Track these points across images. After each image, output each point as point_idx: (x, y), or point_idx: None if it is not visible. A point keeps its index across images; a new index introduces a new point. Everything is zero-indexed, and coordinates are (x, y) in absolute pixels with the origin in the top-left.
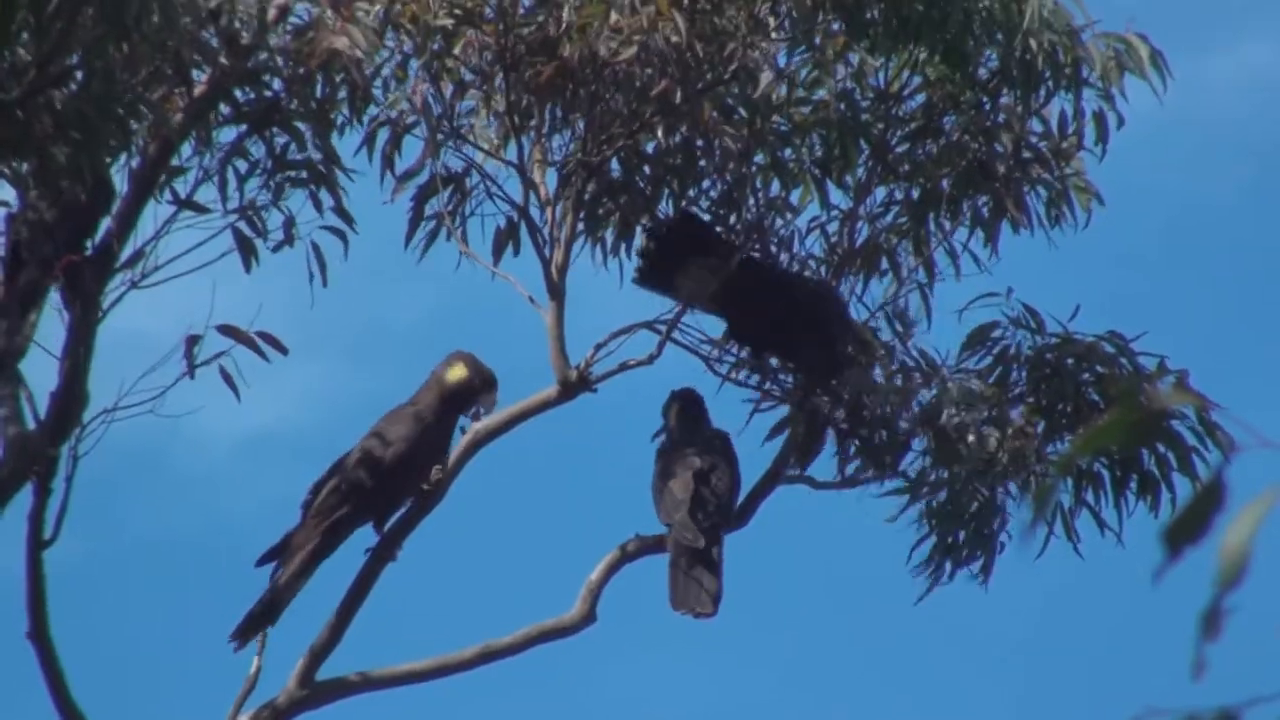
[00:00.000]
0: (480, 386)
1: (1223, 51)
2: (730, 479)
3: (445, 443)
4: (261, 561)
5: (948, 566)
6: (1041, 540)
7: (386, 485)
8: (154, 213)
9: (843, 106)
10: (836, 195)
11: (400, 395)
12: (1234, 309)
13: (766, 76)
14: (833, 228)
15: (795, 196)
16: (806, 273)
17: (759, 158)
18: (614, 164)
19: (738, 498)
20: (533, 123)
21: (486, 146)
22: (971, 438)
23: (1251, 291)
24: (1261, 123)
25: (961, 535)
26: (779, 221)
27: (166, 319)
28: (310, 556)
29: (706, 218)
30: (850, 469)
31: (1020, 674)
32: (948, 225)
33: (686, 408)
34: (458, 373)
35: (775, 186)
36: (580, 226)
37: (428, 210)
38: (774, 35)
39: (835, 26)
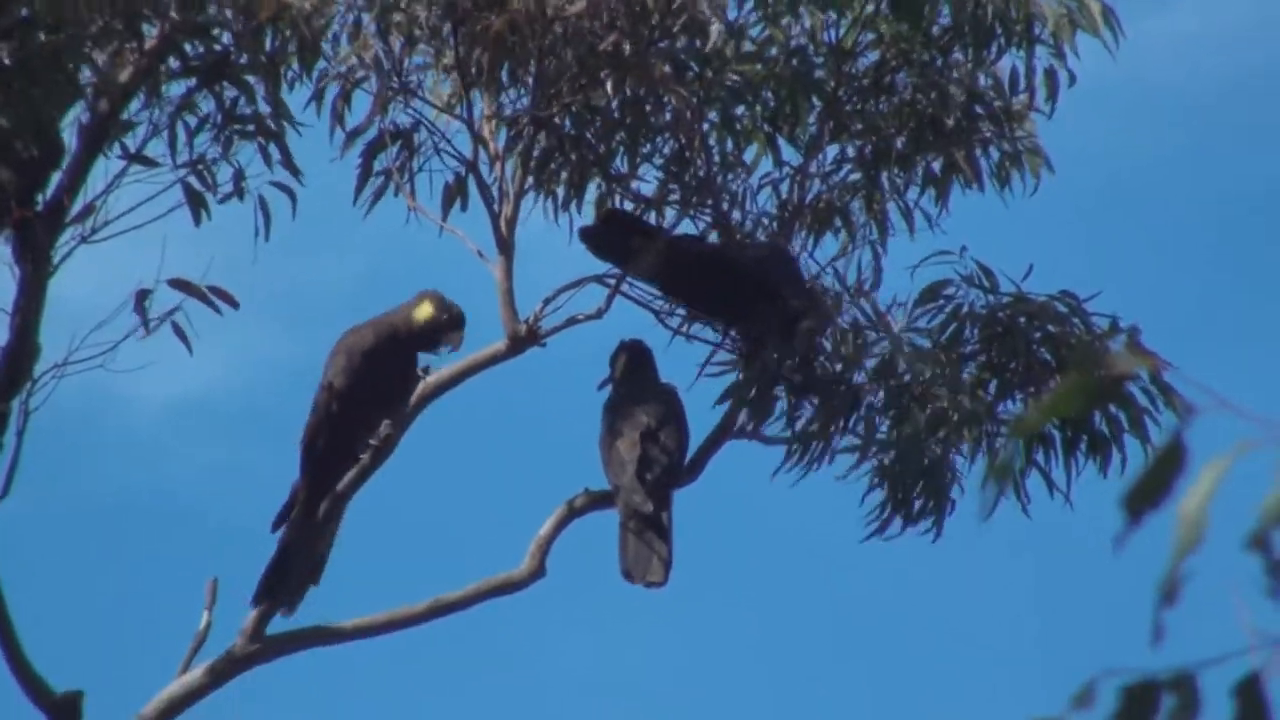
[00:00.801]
0: (448, 323)
1: (1155, 16)
2: (679, 437)
3: (409, 380)
4: (278, 524)
5: (898, 521)
6: (991, 503)
7: (352, 407)
8: (104, 168)
9: (795, 63)
10: (789, 152)
11: None
12: (1177, 270)
13: (716, 29)
14: (785, 186)
15: (748, 155)
16: (759, 231)
17: (712, 115)
18: (566, 121)
19: (686, 455)
20: (482, 78)
21: (437, 103)
22: (921, 394)
23: (1191, 252)
24: (1192, 86)
25: (914, 493)
26: (731, 179)
27: (116, 274)
28: (308, 498)
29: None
30: (800, 425)
31: (972, 635)
32: (900, 183)
33: (634, 359)
34: (425, 311)
35: (728, 144)
36: (530, 181)
37: (376, 167)
38: None
39: None
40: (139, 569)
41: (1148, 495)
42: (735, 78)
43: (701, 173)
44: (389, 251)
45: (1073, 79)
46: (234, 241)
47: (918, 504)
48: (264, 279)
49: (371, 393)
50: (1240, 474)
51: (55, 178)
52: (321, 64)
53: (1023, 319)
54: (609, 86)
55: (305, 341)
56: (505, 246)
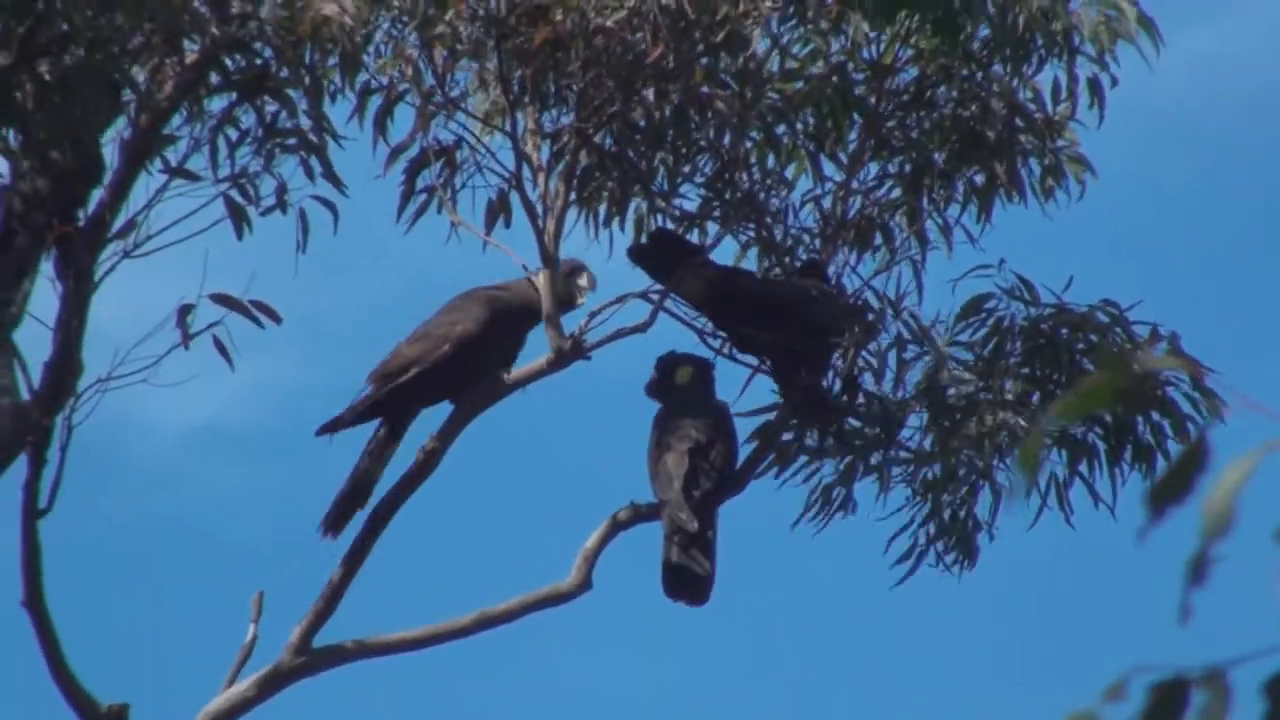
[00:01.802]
0: (574, 269)
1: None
2: (728, 454)
3: (516, 345)
4: (322, 430)
5: (935, 549)
6: (1034, 512)
7: (452, 363)
8: (146, 183)
9: (835, 79)
10: (830, 169)
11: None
12: (1215, 285)
13: (760, 42)
14: (826, 202)
15: (789, 171)
16: (800, 250)
17: (753, 134)
18: (607, 137)
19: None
20: (525, 93)
21: (480, 117)
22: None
23: (1231, 268)
24: (1210, 110)
25: (948, 517)
26: (772, 196)
27: (159, 289)
28: (384, 440)
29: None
30: (819, 475)
31: (1006, 636)
32: (940, 199)
33: (698, 373)
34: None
35: (770, 161)
36: (573, 196)
37: (419, 184)
38: (767, 3)
39: None
40: (166, 589)
41: (1172, 490)
42: (775, 96)
43: (743, 190)
44: (426, 270)
45: (1115, 82)
46: (273, 257)
47: (952, 534)
48: (302, 297)
49: (492, 350)
50: (1271, 473)
51: (96, 194)
52: (363, 77)
53: (1065, 330)
54: (652, 96)
55: (320, 367)
56: (550, 261)
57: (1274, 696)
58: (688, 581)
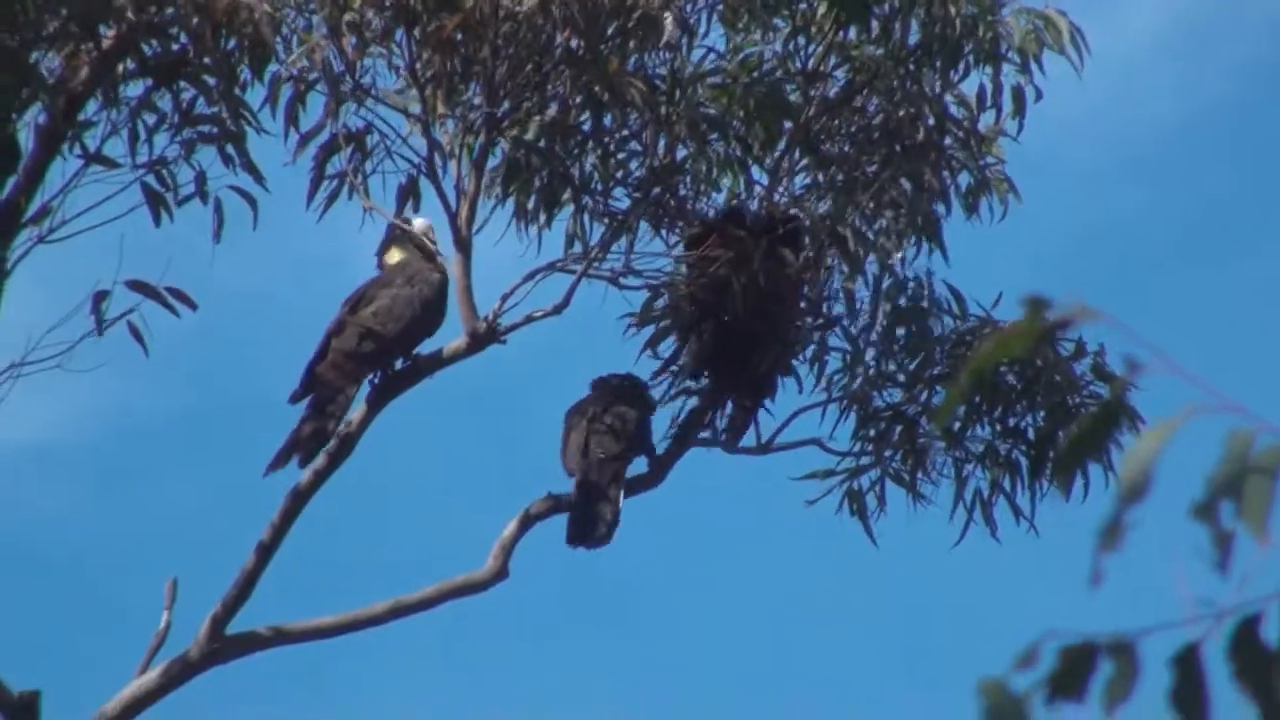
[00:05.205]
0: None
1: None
2: (637, 415)
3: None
4: (296, 399)
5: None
6: (935, 445)
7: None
8: (61, 168)
9: (764, 88)
10: (758, 174)
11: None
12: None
13: (670, 27)
14: (753, 207)
15: (720, 176)
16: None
17: (682, 148)
18: (538, 135)
19: (648, 432)
20: (430, 74)
21: (390, 104)
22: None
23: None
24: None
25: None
26: (703, 202)
27: (72, 274)
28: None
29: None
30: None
31: (916, 613)
32: (869, 211)
33: (609, 377)
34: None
35: (702, 168)
36: (498, 189)
37: (330, 170)
38: None
39: None
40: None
41: (1085, 447)
42: (704, 100)
43: (673, 193)
44: (342, 254)
45: (1039, 95)
46: (188, 245)
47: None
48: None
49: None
50: (1189, 445)
51: (11, 180)
52: (275, 66)
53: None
54: (566, 86)
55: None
56: (463, 245)
57: (1182, 670)
58: (586, 522)
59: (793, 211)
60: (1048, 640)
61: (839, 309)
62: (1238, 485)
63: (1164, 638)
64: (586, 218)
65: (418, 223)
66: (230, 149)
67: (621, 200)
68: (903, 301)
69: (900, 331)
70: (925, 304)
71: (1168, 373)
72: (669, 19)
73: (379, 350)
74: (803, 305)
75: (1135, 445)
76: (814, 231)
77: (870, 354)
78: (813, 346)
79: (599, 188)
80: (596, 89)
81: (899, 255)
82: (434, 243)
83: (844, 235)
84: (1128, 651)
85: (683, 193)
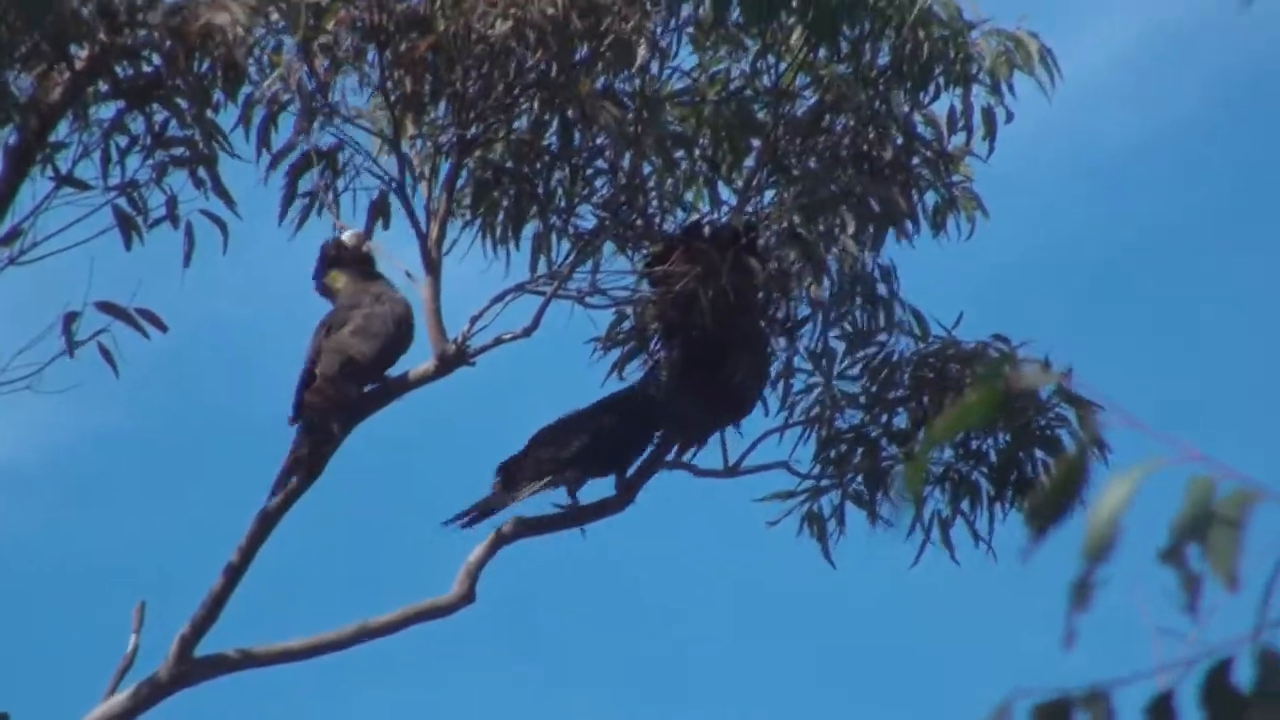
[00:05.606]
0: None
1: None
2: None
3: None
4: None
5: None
6: (901, 515)
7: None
8: (32, 190)
9: (733, 106)
10: (726, 193)
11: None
12: (1110, 319)
13: (644, 52)
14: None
15: (688, 196)
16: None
17: (649, 165)
18: (504, 154)
19: (628, 448)
20: (398, 95)
21: (363, 123)
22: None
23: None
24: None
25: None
26: (669, 220)
27: (43, 296)
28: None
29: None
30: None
31: (886, 659)
32: (836, 230)
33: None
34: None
35: (667, 184)
36: (469, 209)
37: (301, 189)
38: (649, 7)
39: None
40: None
41: (1051, 508)
42: (673, 118)
43: (639, 211)
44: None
45: (1009, 117)
46: (164, 268)
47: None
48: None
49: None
50: (1153, 492)
51: None
52: (248, 89)
53: (955, 365)
54: (536, 106)
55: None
56: (433, 267)
57: (1157, 717)
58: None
59: (751, 219)
60: (1019, 696)
61: (804, 311)
62: (1203, 531)
63: (1137, 684)
64: (555, 236)
65: (347, 235)
66: (202, 172)
67: (587, 219)
68: (858, 314)
69: (859, 354)
70: (882, 322)
71: (1129, 426)
72: (642, 44)
73: (362, 369)
74: (771, 314)
75: (1099, 501)
76: (776, 234)
77: (826, 363)
78: (778, 363)
79: (563, 204)
80: (569, 112)
81: (864, 254)
82: (370, 254)
83: (805, 236)
84: (1103, 703)
85: (650, 211)
